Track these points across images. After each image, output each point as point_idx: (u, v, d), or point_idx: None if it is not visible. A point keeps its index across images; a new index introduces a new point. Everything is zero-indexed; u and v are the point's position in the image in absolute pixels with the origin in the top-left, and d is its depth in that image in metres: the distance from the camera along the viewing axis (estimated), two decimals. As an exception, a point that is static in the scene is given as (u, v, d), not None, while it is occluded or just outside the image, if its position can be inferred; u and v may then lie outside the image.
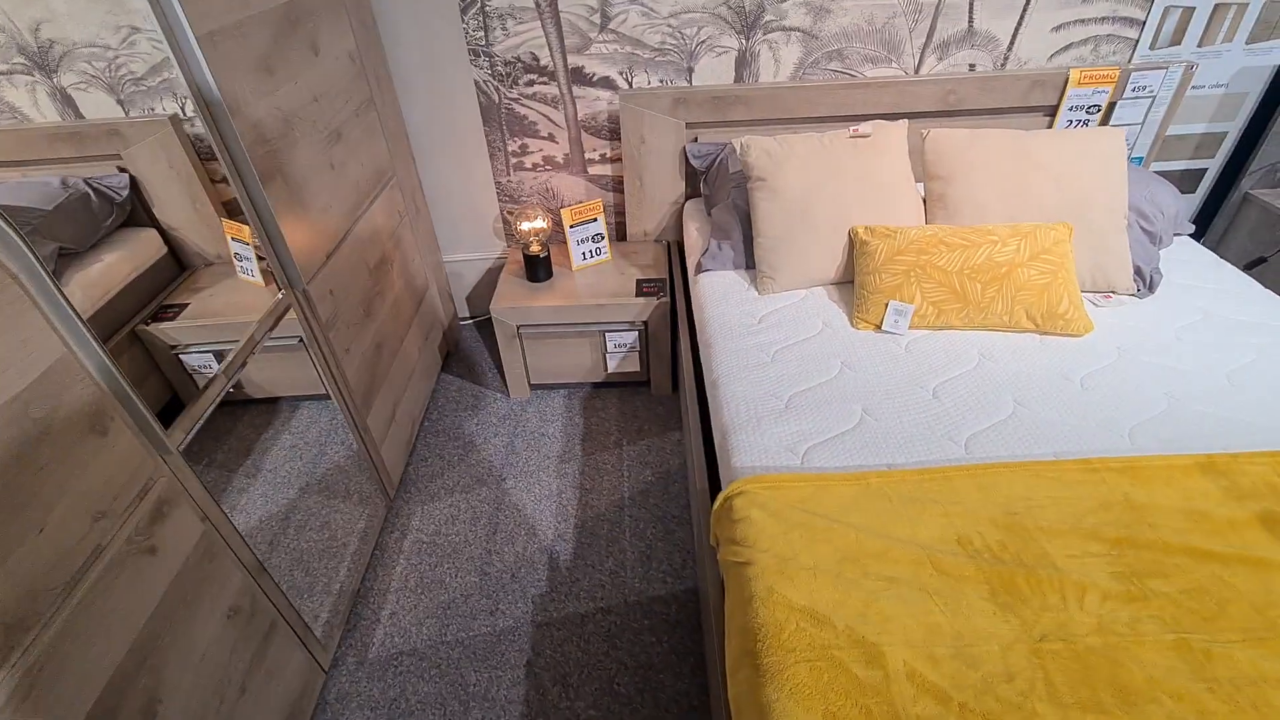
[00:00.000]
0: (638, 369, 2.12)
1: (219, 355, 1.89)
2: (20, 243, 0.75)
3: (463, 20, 1.93)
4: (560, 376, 2.16)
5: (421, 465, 1.95)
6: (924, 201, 1.69)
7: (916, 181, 1.73)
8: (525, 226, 2.02)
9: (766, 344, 1.45)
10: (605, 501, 1.80)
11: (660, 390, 2.16)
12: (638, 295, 1.97)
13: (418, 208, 2.11)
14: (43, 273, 0.78)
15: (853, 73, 2.00)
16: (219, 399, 1.17)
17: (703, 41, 1.96)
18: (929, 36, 1.93)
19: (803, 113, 1.96)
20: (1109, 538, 0.94)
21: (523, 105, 2.08)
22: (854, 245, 1.57)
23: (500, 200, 2.29)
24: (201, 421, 1.09)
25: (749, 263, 1.73)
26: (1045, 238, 1.42)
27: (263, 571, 1.19)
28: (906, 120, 1.77)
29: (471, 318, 2.55)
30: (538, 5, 1.90)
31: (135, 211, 2.04)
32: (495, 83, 2.04)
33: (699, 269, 1.78)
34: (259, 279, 1.81)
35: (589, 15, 1.92)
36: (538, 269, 2.05)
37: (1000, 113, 1.97)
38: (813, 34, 1.93)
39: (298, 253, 1.36)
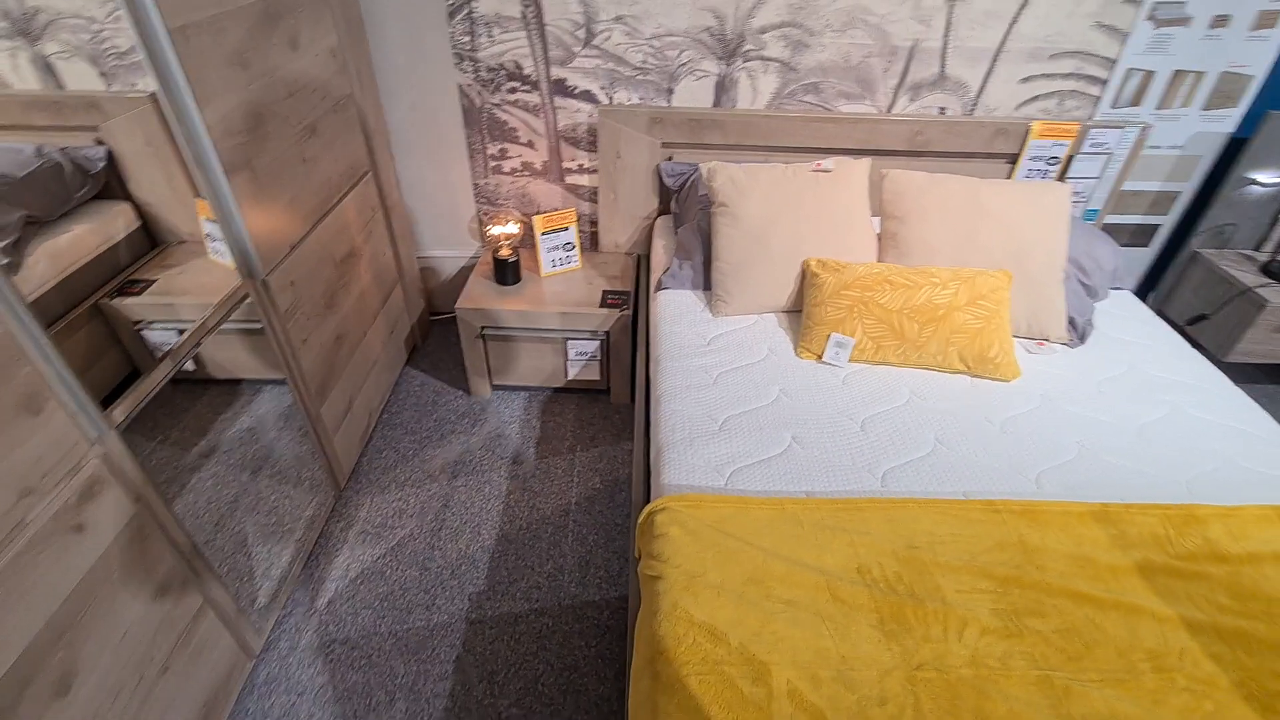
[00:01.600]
0: (598, 378, 2.17)
1: (181, 333, 1.91)
2: (-34, 224, 0.78)
3: (450, 24, 1.96)
4: (521, 379, 2.20)
5: (376, 457, 1.98)
6: (879, 238, 1.75)
7: (875, 216, 1.79)
8: (495, 231, 2.06)
9: (712, 365, 1.50)
10: (552, 505, 1.84)
11: (619, 399, 2.20)
12: (602, 306, 2.01)
13: (393, 204, 2.14)
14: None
15: (827, 106, 2.06)
16: (164, 381, 1.19)
17: (683, 64, 2.01)
18: (902, 78, 1.99)
19: (776, 141, 2.02)
20: (998, 576, 0.99)
21: (504, 111, 2.12)
22: (805, 276, 1.63)
23: (478, 201, 2.33)
24: (144, 404, 1.11)
25: (707, 284, 1.78)
26: (984, 284, 1.48)
27: (196, 554, 1.21)
28: (870, 158, 1.84)
29: (443, 314, 2.58)
30: (524, 16, 1.94)
31: (110, 185, 2.05)
32: (479, 87, 2.07)
33: (659, 286, 1.83)
34: (230, 260, 1.83)
35: (573, 30, 1.96)
36: (506, 272, 2.09)
37: (964, 156, 2.04)
38: (791, 66, 1.99)
39: (260, 243, 1.39)
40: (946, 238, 1.63)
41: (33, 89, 1.88)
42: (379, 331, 2.05)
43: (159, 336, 2.02)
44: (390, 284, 2.14)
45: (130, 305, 1.96)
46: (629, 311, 2.01)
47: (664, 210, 2.20)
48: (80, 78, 1.89)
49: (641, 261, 2.26)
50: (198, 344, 1.28)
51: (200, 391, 2.21)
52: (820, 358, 1.52)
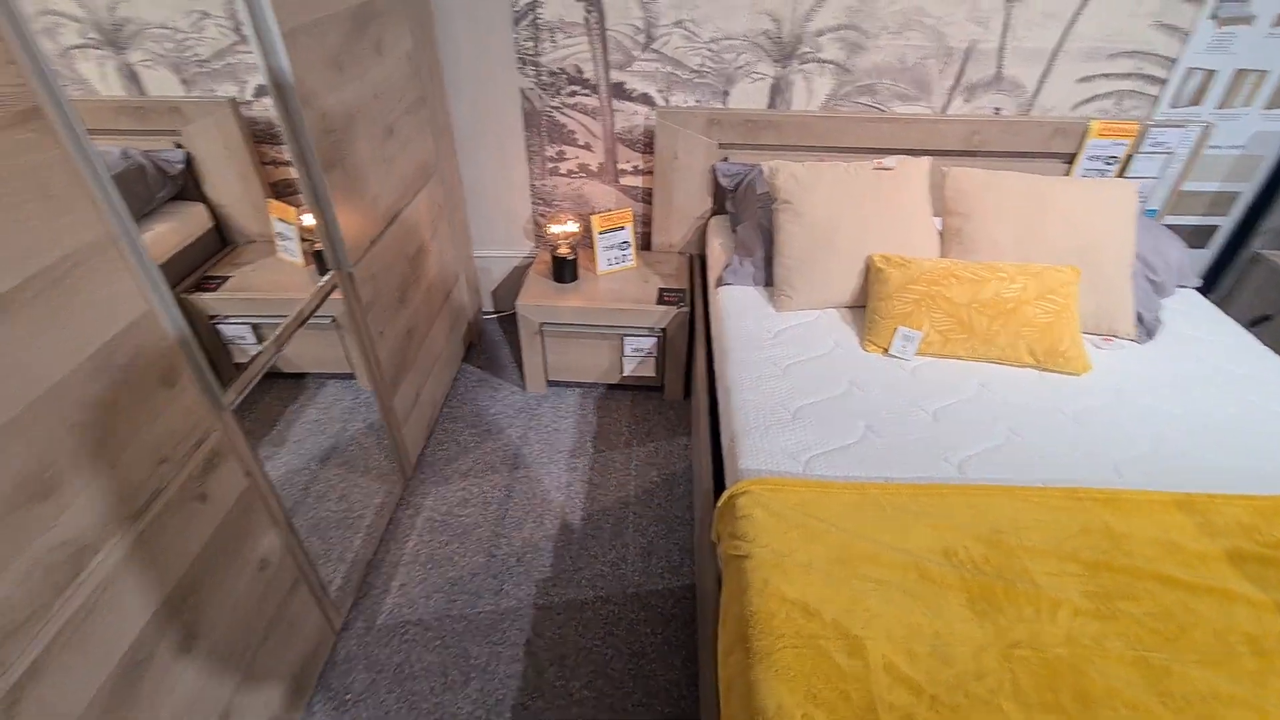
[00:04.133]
0: (653, 374, 2.20)
1: (255, 328, 2.00)
2: (124, 211, 0.85)
3: (515, 30, 2.03)
4: (577, 375, 2.25)
5: (439, 448, 2.03)
6: (941, 235, 1.76)
7: (935, 216, 1.81)
8: (555, 229, 2.11)
9: (779, 358, 1.53)
10: (611, 498, 1.87)
11: (673, 395, 2.24)
12: (658, 303, 2.05)
13: (455, 203, 2.20)
14: (135, 234, 0.88)
15: (882, 108, 2.08)
16: (268, 366, 1.25)
17: (740, 67, 2.05)
18: (958, 79, 2.01)
19: (831, 142, 2.05)
20: (1086, 560, 1.00)
21: (564, 114, 2.18)
22: (870, 272, 1.65)
23: (534, 202, 2.39)
24: (252, 385, 1.17)
25: (768, 280, 1.81)
26: (1052, 279, 1.49)
27: (291, 531, 1.27)
28: (930, 157, 1.86)
29: (495, 313, 2.64)
30: (586, 22, 2.00)
31: (187, 186, 2.16)
32: (540, 91, 2.14)
33: (720, 282, 1.86)
34: (299, 259, 1.91)
35: (634, 35, 2.01)
36: (564, 270, 2.14)
37: (1021, 156, 2.04)
38: (846, 68, 2.02)
39: (348, 237, 1.45)
40: (1011, 234, 1.64)
41: (119, 95, 1.98)
42: (442, 327, 2.12)
43: (234, 330, 2.11)
44: (451, 281, 2.20)
45: (207, 300, 2.05)
46: (686, 309, 2.04)
47: (717, 210, 2.24)
48: (162, 84, 2.00)
49: (695, 260, 2.30)
50: (293, 332, 1.34)
51: (269, 385, 2.29)
52: (887, 351, 1.54)
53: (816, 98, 2.09)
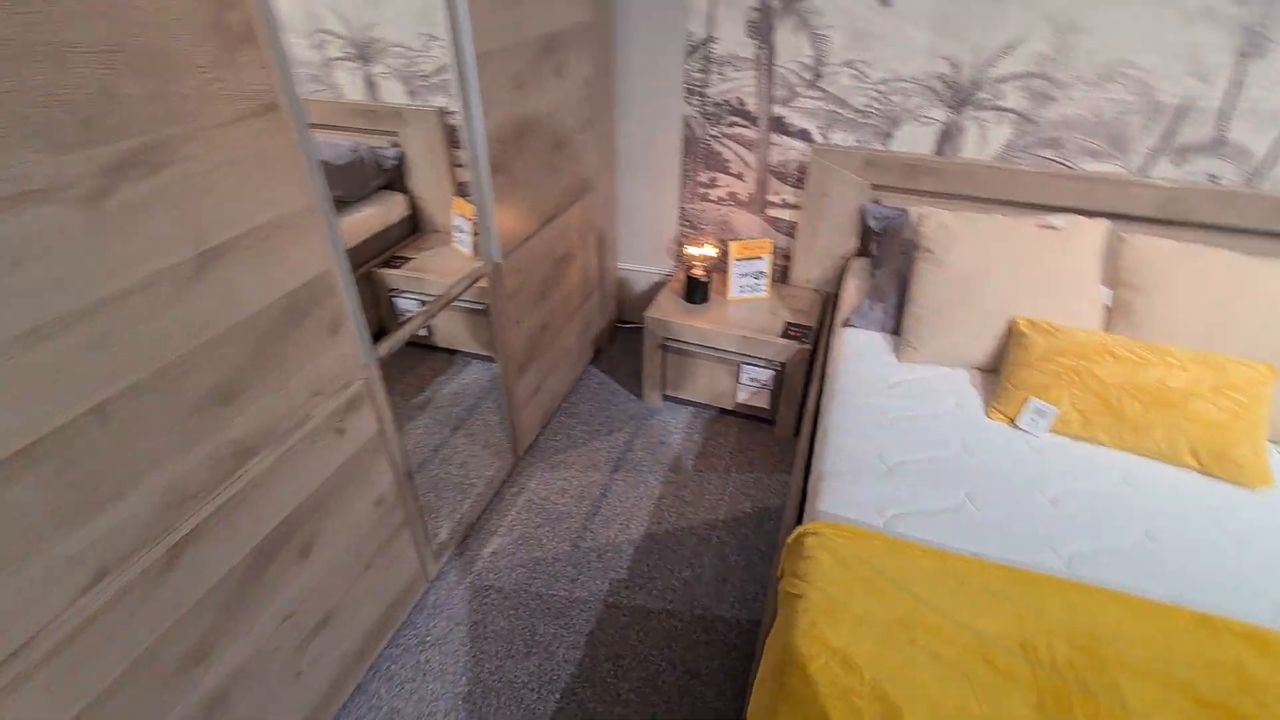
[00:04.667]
0: (766, 406, 2.19)
1: (422, 303, 2.29)
2: (324, 186, 1.05)
3: (687, 61, 2.15)
4: (692, 394, 2.29)
5: (551, 438, 2.18)
6: (1107, 308, 1.58)
7: (1102, 286, 1.62)
8: (693, 251, 2.19)
9: (889, 408, 1.46)
10: (700, 517, 1.89)
11: (782, 432, 2.20)
12: (782, 336, 2.04)
13: (608, 216, 2.37)
14: (330, 209, 1.08)
15: (1067, 163, 1.91)
16: (415, 331, 1.45)
17: (908, 109, 2.00)
18: (1165, 138, 1.79)
19: (1000, 194, 1.92)
20: (1201, 697, 0.85)
21: (721, 143, 2.26)
22: (1011, 335, 1.52)
23: (681, 224, 2.49)
24: (400, 343, 1.37)
25: (896, 328, 1.73)
26: (1238, 374, 1.28)
27: (408, 479, 1.45)
28: (1108, 221, 1.67)
29: (628, 323, 2.78)
30: (756, 57, 2.07)
31: (395, 179, 2.54)
32: (702, 119, 2.24)
33: (846, 323, 1.82)
34: (470, 250, 2.17)
35: (801, 72, 2.04)
36: (696, 291, 2.21)
37: (1234, 232, 1.76)
38: (1029, 118, 1.88)
39: (503, 234, 1.64)
40: (1195, 317, 1.43)
41: (359, 100, 2.39)
42: (574, 327, 2.28)
43: (405, 303, 2.44)
44: (591, 288, 2.36)
45: (391, 275, 2.39)
46: (809, 347, 2.01)
47: (861, 252, 2.18)
48: (391, 93, 2.38)
49: (830, 300, 2.25)
50: (441, 308, 1.54)
51: (426, 355, 2.60)
52: (1013, 421, 1.41)
53: (990, 147, 1.97)
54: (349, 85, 2.39)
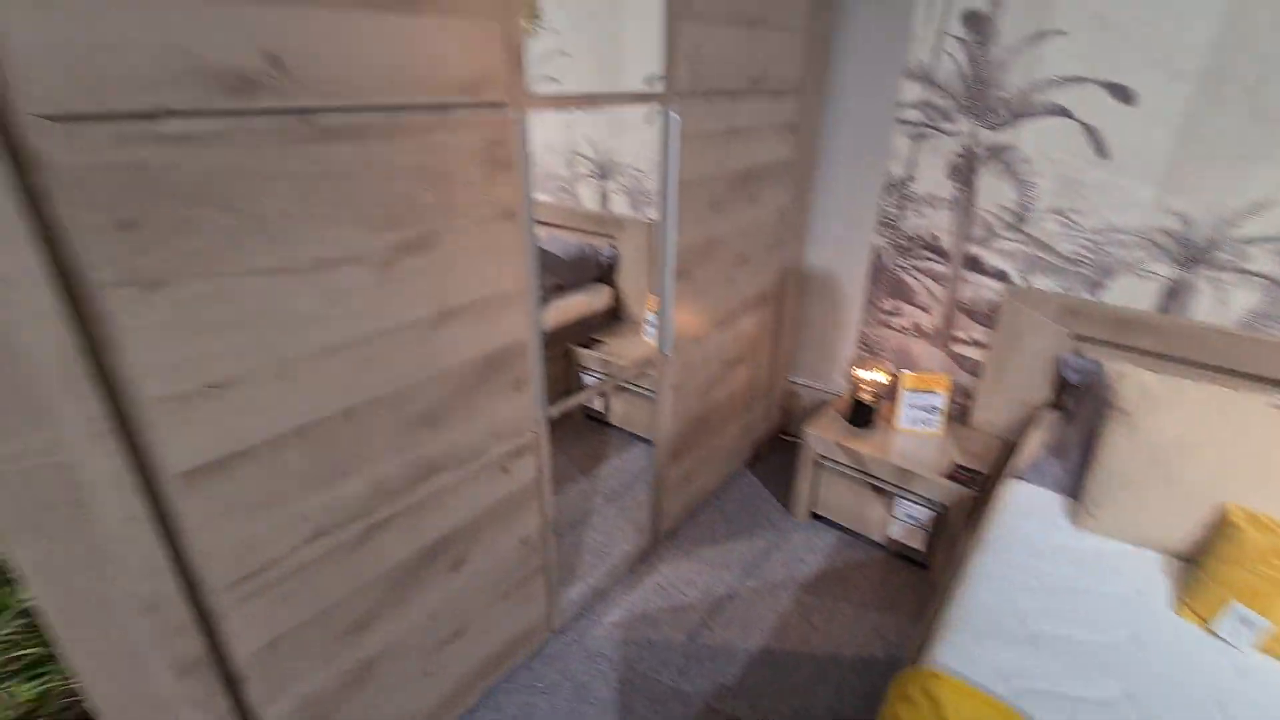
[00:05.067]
0: (920, 547, 2.04)
1: (607, 377, 2.57)
2: (535, 276, 1.33)
3: (882, 197, 2.26)
4: (841, 518, 2.22)
5: (691, 528, 2.25)
6: (1374, 518, 1.28)
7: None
8: (863, 374, 2.20)
9: (1048, 572, 1.32)
10: (824, 648, 1.79)
11: (936, 579, 2.02)
12: (948, 477, 1.93)
13: (784, 329, 2.48)
14: (536, 294, 1.36)
15: (1334, 340, 1.62)
16: (584, 401, 1.67)
17: (1126, 262, 1.87)
18: None
19: (1229, 363, 1.68)
20: None
21: (909, 275, 2.29)
22: (1221, 524, 1.30)
23: (858, 347, 2.51)
24: (568, 409, 1.59)
25: (1075, 491, 1.56)
26: None
27: (551, 531, 1.64)
28: (1385, 414, 1.38)
29: (790, 435, 2.79)
30: (955, 199, 2.11)
31: (607, 274, 2.95)
32: (892, 250, 2.30)
33: (1017, 474, 1.68)
34: (655, 342, 2.42)
35: (1002, 215, 2.03)
36: (861, 415, 2.19)
37: None
38: (1282, 284, 1.66)
39: (678, 330, 1.84)
40: None
41: (593, 209, 2.86)
42: (734, 428, 2.37)
43: (590, 379, 2.75)
44: (757, 394, 2.46)
45: (585, 355, 2.73)
46: (976, 494, 1.87)
47: (1054, 404, 2.01)
48: (617, 204, 2.82)
49: (1011, 450, 2.08)
50: (611, 388, 1.75)
51: (602, 430, 2.87)
52: (1207, 625, 1.18)
53: (1231, 311, 1.75)
54: (588, 196, 2.89)
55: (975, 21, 1.90)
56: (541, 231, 3.00)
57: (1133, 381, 1.54)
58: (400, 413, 1.15)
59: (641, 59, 2.29)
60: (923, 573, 2.07)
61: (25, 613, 1.22)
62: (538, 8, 2.71)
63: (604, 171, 2.80)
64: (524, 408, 1.42)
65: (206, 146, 0.80)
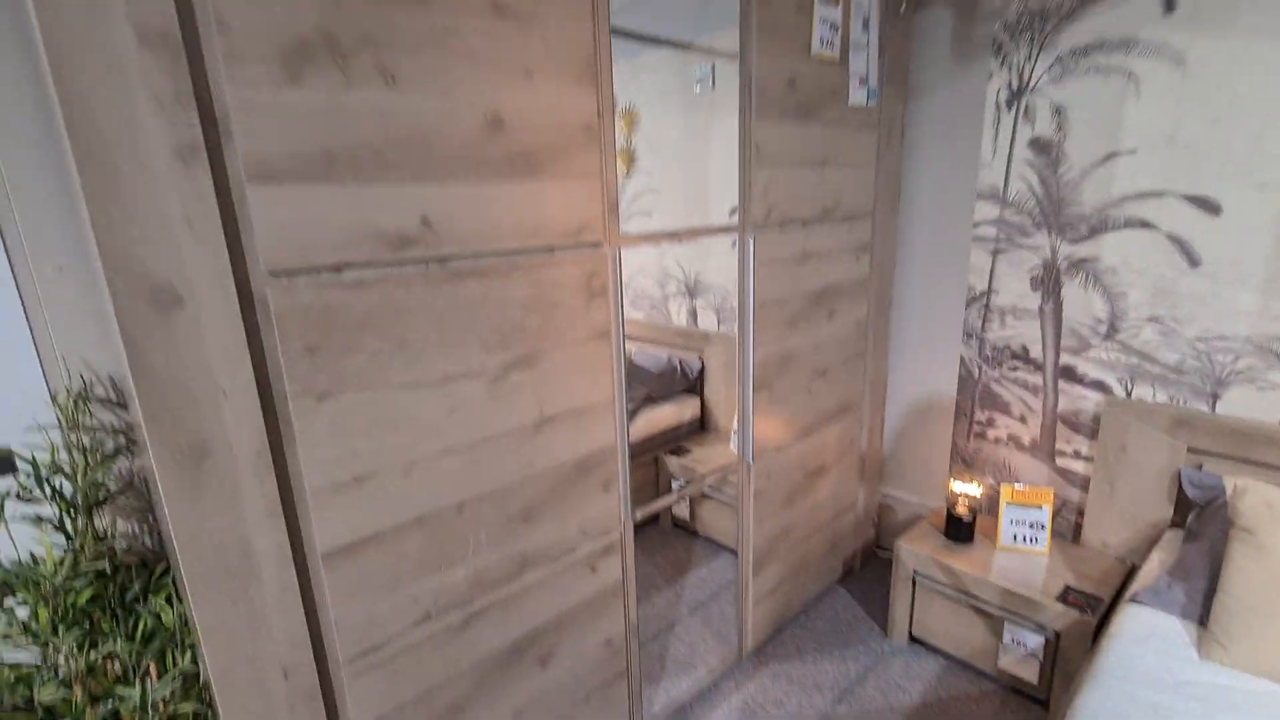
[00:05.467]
0: (1033, 680, 1.86)
1: (688, 482, 2.64)
2: (622, 388, 1.49)
3: (965, 310, 2.29)
4: (943, 642, 2.08)
5: (779, 645, 2.18)
6: None
7: None
8: (957, 486, 2.13)
9: (1170, 707, 1.20)
10: (927, 789, 1.64)
11: (1057, 716, 1.82)
12: (1059, 600, 1.80)
13: (871, 441, 2.47)
14: (623, 402, 1.50)
15: None
16: (667, 505, 1.76)
17: (1238, 371, 1.78)
18: None
19: (1382, 481, 1.52)
20: None
21: (1000, 385, 2.26)
22: (1385, 664, 1.14)
23: (953, 460, 2.44)
24: (648, 512, 1.68)
25: (1202, 617, 1.42)
26: None
27: (635, 635, 1.67)
28: None
29: (885, 549, 2.68)
30: (1040, 310, 2.11)
31: (694, 385, 3.09)
32: (979, 361, 2.29)
33: (1134, 598, 1.55)
34: (738, 451, 2.48)
35: (1094, 325, 2.01)
36: (959, 529, 2.10)
37: None
38: None
39: (758, 438, 1.91)
40: None
41: (681, 325, 3.06)
42: (821, 540, 2.33)
43: (675, 484, 2.82)
44: (846, 505, 2.42)
45: (673, 461, 2.82)
46: (1094, 620, 1.72)
47: (1177, 523, 1.85)
48: (705, 319, 3.00)
49: (1132, 573, 1.91)
50: (690, 494, 1.83)
51: (686, 539, 2.89)
52: (1376, 784, 1.02)
53: (1372, 424, 1.61)
54: (677, 313, 3.11)
55: (1042, 147, 2.00)
56: (633, 346, 3.23)
57: (1256, 497, 1.43)
58: (502, 508, 1.30)
59: (722, 194, 2.55)
60: (1040, 709, 1.87)
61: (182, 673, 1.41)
62: (634, 154, 3.11)
63: (692, 290, 3.02)
64: (611, 508, 1.52)
65: (371, 288, 1.04)
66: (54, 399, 1.21)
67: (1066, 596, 1.81)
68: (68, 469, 1.16)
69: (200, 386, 0.88)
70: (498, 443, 1.26)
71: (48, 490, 1.15)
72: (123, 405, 1.27)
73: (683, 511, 2.90)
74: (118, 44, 0.77)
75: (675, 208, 2.92)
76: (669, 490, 2.79)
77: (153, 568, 1.27)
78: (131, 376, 0.83)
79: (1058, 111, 1.95)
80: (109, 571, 1.20)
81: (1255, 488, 1.44)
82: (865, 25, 1.93)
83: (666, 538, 2.89)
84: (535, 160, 1.20)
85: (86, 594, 1.12)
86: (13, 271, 1.15)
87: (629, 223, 2.98)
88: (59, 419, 1.20)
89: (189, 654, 1.19)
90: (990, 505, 2.27)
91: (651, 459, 2.86)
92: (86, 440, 1.22)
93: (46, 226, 1.17)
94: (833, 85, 1.87)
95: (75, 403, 1.21)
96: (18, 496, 1.14)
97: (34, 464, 1.14)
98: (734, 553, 2.75)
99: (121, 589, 1.21)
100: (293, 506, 1.02)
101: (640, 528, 2.98)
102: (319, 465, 1.03)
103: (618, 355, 1.45)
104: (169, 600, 1.20)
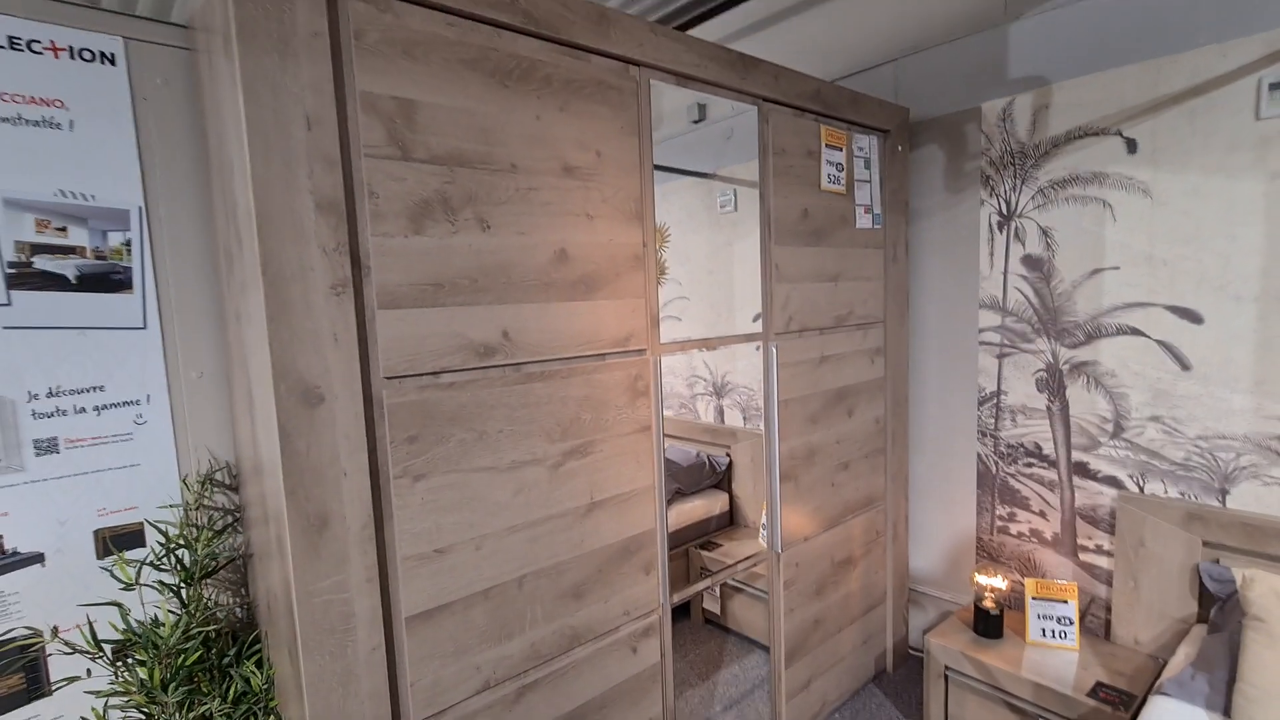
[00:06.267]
0: (1074, 783, 1.84)
1: (722, 584, 2.71)
2: (662, 477, 1.66)
3: (978, 409, 2.45)
4: (980, 744, 2.06)
5: (815, 745, 2.17)
6: None
7: None
8: (982, 580, 2.19)
9: (1197, 798, 1.23)
10: None
11: (1102, 829, 1.78)
12: (1090, 697, 1.82)
13: (898, 535, 2.55)
14: (663, 492, 1.67)
15: None
16: (701, 589, 1.86)
17: (1243, 468, 1.89)
18: None
19: (1391, 574, 1.58)
20: None
21: (1018, 481, 2.36)
22: (1401, 751, 1.18)
23: (979, 555, 2.50)
24: (685, 596, 1.79)
25: (1225, 707, 1.46)
26: None
27: (673, 717, 1.74)
28: None
29: (917, 651, 2.67)
30: (1048, 409, 2.26)
31: (722, 481, 3.23)
32: (995, 458, 2.41)
33: (1158, 689, 1.59)
34: (766, 543, 2.58)
35: (1100, 424, 2.15)
36: (986, 624, 2.14)
37: None
38: None
39: (785, 529, 2.04)
40: None
41: (708, 422, 3.24)
42: (853, 635, 2.37)
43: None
44: (876, 600, 2.47)
45: (704, 555, 2.91)
46: (1125, 715, 1.74)
47: (1205, 618, 1.89)
48: (731, 417, 3.18)
49: (1163, 669, 1.92)
50: (721, 582, 1.94)
51: (718, 636, 2.92)
52: None
53: (1378, 518, 1.69)
54: (704, 411, 3.31)
55: (1034, 263, 2.24)
56: (665, 441, 3.40)
57: (1265, 587, 1.51)
58: (556, 584, 1.44)
59: (745, 302, 2.82)
60: (1085, 818, 1.83)
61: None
62: (664, 266, 3.44)
63: (719, 390, 3.23)
64: (651, 589, 1.65)
65: (461, 389, 1.26)
66: (184, 481, 1.43)
67: (1098, 692, 1.83)
68: (190, 542, 1.36)
69: (329, 467, 1.09)
70: (554, 522, 1.43)
71: (172, 560, 1.34)
72: (234, 489, 1.49)
73: (714, 606, 2.94)
74: (300, 210, 1.05)
75: (703, 314, 3.18)
76: (696, 578, 2.86)
77: (243, 636, 1.44)
78: (281, 459, 1.04)
79: (1045, 233, 2.20)
80: (213, 636, 1.37)
81: (1263, 577, 1.52)
82: (867, 164, 2.24)
83: (699, 634, 2.91)
84: (592, 283, 1.46)
85: (194, 656, 1.28)
86: (167, 376, 1.41)
87: (662, 326, 3.26)
88: (184, 498, 1.42)
89: (271, 716, 1.33)
90: (1019, 600, 2.31)
91: (682, 552, 2.95)
92: (204, 519, 1.43)
93: (196, 340, 1.44)
94: (841, 212, 2.16)
95: (202, 484, 1.43)
96: (151, 565, 1.33)
97: (165, 536, 1.34)
98: (766, 649, 2.76)
99: (220, 654, 1.37)
100: (385, 573, 1.19)
101: (674, 621, 3.02)
102: (410, 537, 1.21)
103: (658, 447, 1.64)
104: (258, 664, 1.35)
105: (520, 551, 1.38)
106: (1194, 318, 1.93)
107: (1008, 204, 2.28)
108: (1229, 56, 1.80)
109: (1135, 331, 2.04)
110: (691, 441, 3.36)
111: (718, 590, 2.91)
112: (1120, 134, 2.01)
